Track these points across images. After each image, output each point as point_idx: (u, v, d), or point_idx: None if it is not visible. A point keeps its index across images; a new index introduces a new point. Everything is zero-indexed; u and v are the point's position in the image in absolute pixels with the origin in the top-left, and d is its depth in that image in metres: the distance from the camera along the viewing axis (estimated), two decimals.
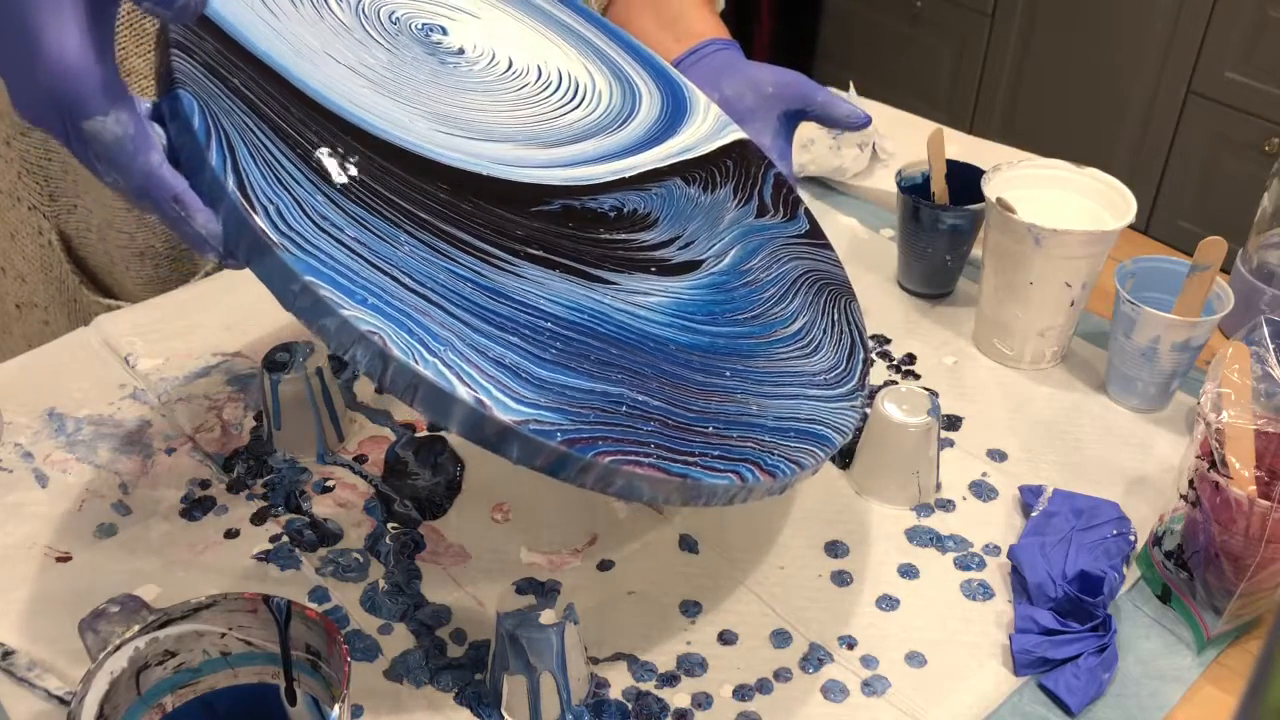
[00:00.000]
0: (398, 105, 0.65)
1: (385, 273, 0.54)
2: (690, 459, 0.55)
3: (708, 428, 0.58)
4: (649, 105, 0.75)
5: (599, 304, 0.61)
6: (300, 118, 0.59)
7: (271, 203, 0.52)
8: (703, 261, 0.68)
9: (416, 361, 0.51)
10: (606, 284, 0.63)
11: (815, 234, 0.75)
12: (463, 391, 0.51)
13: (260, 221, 0.51)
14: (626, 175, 0.70)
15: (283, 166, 0.55)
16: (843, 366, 0.66)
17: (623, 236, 0.66)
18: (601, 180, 0.69)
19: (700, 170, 0.73)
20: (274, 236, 0.51)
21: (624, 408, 0.56)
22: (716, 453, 0.57)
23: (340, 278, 0.52)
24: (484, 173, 0.64)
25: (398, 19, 0.70)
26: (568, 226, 0.64)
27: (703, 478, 0.55)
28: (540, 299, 0.59)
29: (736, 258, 0.69)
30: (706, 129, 0.76)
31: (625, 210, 0.68)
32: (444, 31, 0.72)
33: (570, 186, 0.67)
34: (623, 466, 0.53)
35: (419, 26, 0.71)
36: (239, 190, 0.51)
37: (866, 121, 0.81)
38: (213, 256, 0.52)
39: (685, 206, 0.70)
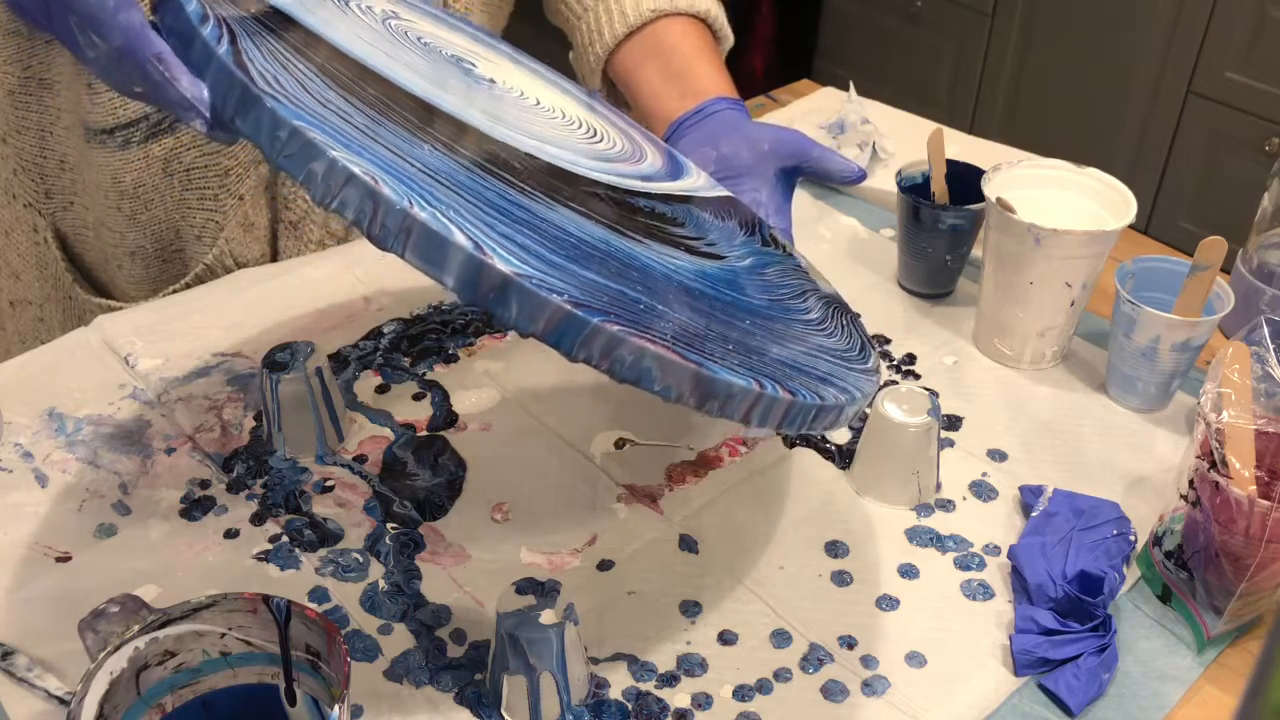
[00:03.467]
0: (447, 95, 0.64)
1: (392, 151, 0.52)
2: (709, 356, 0.52)
3: (728, 345, 0.55)
4: (653, 158, 0.76)
5: (630, 248, 0.60)
6: (327, 57, 0.58)
7: (269, 71, 0.51)
8: (725, 257, 0.68)
9: (411, 205, 0.48)
10: (640, 243, 0.62)
11: (812, 270, 0.76)
12: (460, 237, 0.48)
13: (250, 74, 0.50)
14: (654, 191, 0.71)
15: (294, 64, 0.54)
16: (858, 351, 0.65)
17: (659, 224, 0.66)
18: (640, 189, 0.69)
19: (707, 206, 0.75)
20: (264, 87, 0.49)
21: (641, 306, 0.53)
22: (737, 360, 0.53)
23: (336, 134, 0.50)
24: (539, 154, 0.64)
25: (427, 43, 0.70)
26: (610, 205, 0.64)
27: (720, 372, 0.51)
28: (569, 226, 0.57)
29: (753, 263, 0.70)
30: (701, 184, 0.77)
31: (657, 211, 0.68)
32: (473, 65, 0.72)
33: (613, 185, 0.67)
34: (632, 339, 0.49)
35: (449, 55, 0.71)
36: (232, 55, 0.50)
37: (861, 177, 0.82)
38: (199, 124, 0.51)
39: (703, 221, 0.71)
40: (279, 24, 0.59)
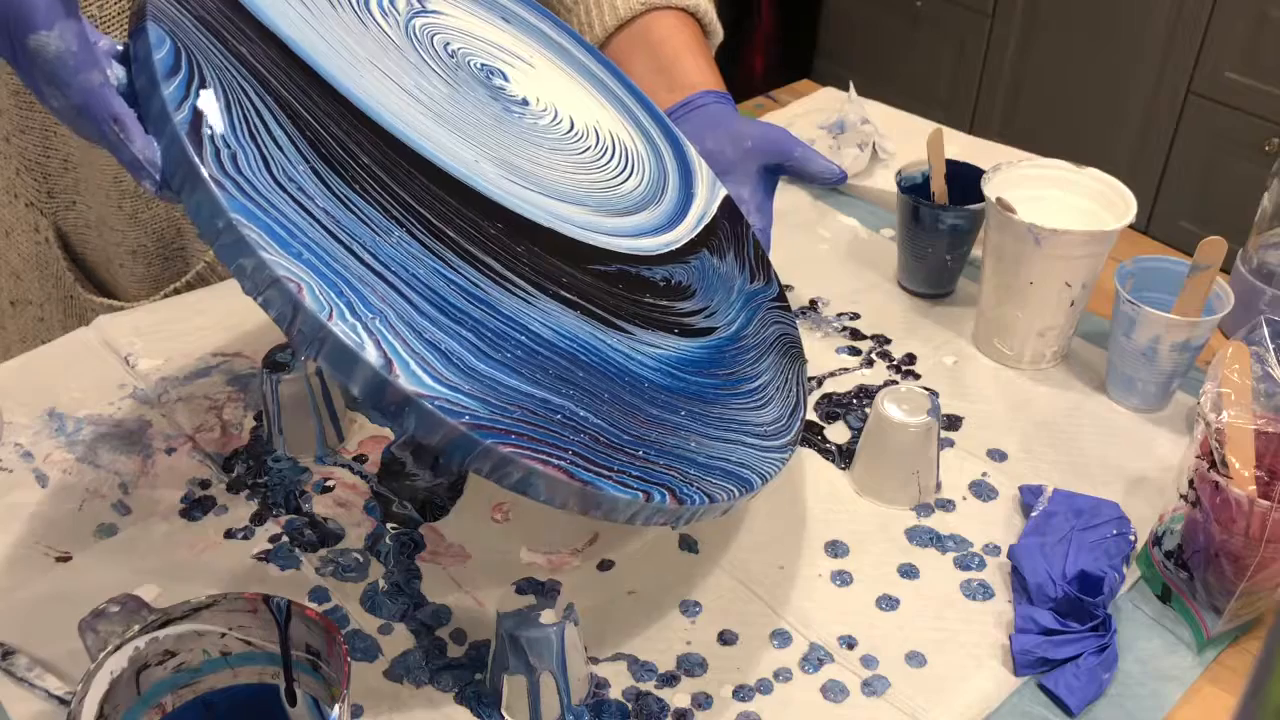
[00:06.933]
0: (462, 142, 0.63)
1: (342, 243, 0.52)
2: (605, 472, 0.54)
3: (638, 451, 0.57)
4: (671, 169, 0.76)
5: (598, 341, 0.60)
6: (325, 110, 0.57)
7: (228, 147, 0.51)
8: (716, 328, 0.69)
9: (331, 318, 0.49)
10: (623, 333, 0.62)
11: (781, 297, 0.77)
12: (370, 354, 0.49)
13: (203, 155, 0.49)
14: (674, 248, 0.71)
15: (266, 128, 0.53)
16: (784, 421, 0.67)
17: (664, 303, 0.67)
18: (658, 253, 0.69)
19: (715, 238, 0.75)
20: (210, 170, 0.49)
21: (559, 416, 0.55)
22: (636, 472, 0.56)
23: (278, 228, 0.50)
24: (548, 225, 0.63)
25: (454, 52, 0.69)
26: (618, 287, 0.64)
27: (606, 488, 0.53)
28: (534, 320, 0.58)
29: (739, 325, 0.71)
30: (707, 188, 0.77)
31: (672, 282, 0.68)
32: (505, 77, 0.71)
33: (632, 255, 0.67)
34: (521, 459, 0.51)
35: (479, 66, 0.69)
36: (189, 124, 0.50)
37: (842, 179, 0.82)
38: (149, 185, 0.51)
39: (712, 278, 0.72)
40: (273, 60, 0.57)
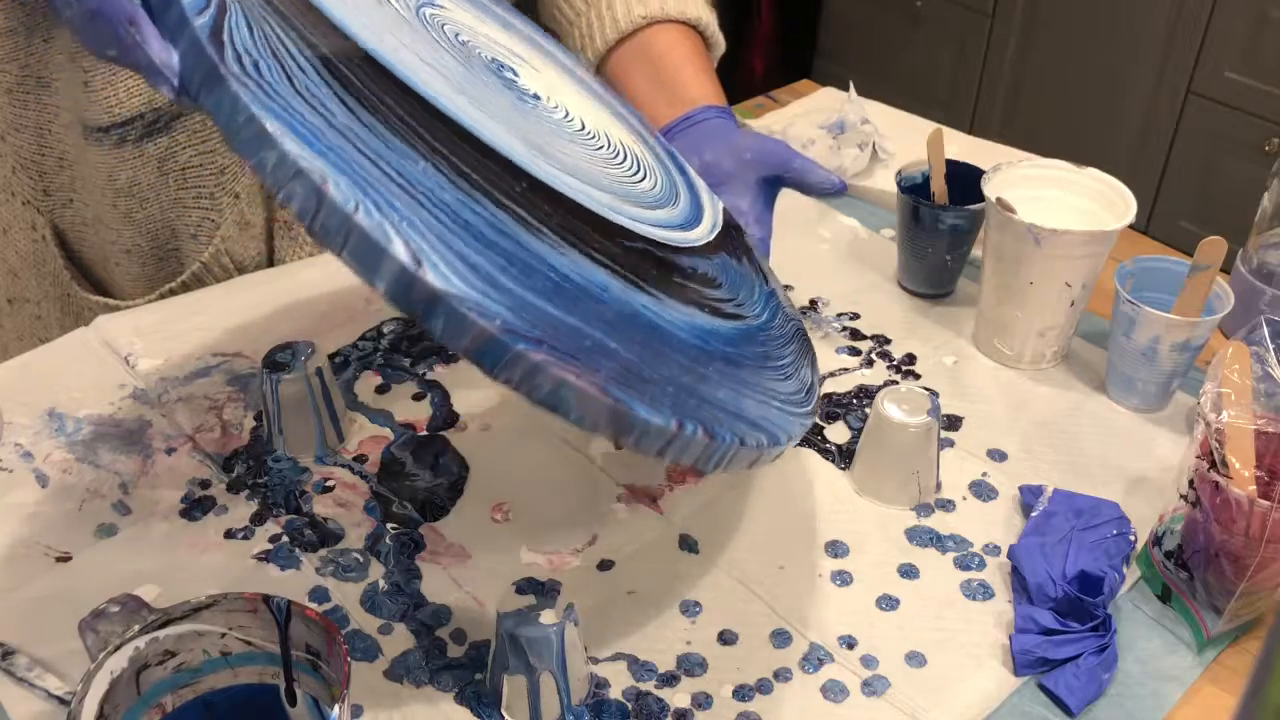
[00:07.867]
0: (485, 115, 0.62)
1: (367, 157, 0.50)
2: (638, 395, 0.52)
3: (669, 387, 0.55)
4: (678, 181, 0.76)
5: (626, 293, 0.59)
6: (348, 58, 0.56)
7: (249, 55, 0.50)
8: (746, 317, 0.69)
9: (356, 210, 0.47)
10: (655, 298, 0.61)
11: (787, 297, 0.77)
12: (399, 248, 0.47)
13: (223, 56, 0.48)
14: (696, 245, 0.70)
15: (289, 51, 0.52)
16: (803, 393, 0.67)
17: (694, 285, 0.66)
18: (682, 245, 0.69)
19: (729, 244, 0.75)
20: (233, 69, 0.48)
21: (589, 343, 0.53)
22: (668, 402, 0.53)
23: (301, 128, 0.48)
24: (576, 198, 0.62)
25: (465, 42, 0.68)
26: (646, 262, 0.63)
27: (639, 410, 0.51)
28: (563, 264, 0.56)
29: (766, 318, 0.71)
30: (710, 201, 0.77)
31: (699, 271, 0.67)
32: (515, 73, 0.70)
33: (657, 240, 0.67)
34: (553, 370, 0.49)
35: (489, 59, 0.69)
36: (210, 29, 0.49)
37: (841, 190, 0.82)
38: (166, 91, 0.50)
39: (735, 276, 0.71)
40: (294, 4, 0.56)
